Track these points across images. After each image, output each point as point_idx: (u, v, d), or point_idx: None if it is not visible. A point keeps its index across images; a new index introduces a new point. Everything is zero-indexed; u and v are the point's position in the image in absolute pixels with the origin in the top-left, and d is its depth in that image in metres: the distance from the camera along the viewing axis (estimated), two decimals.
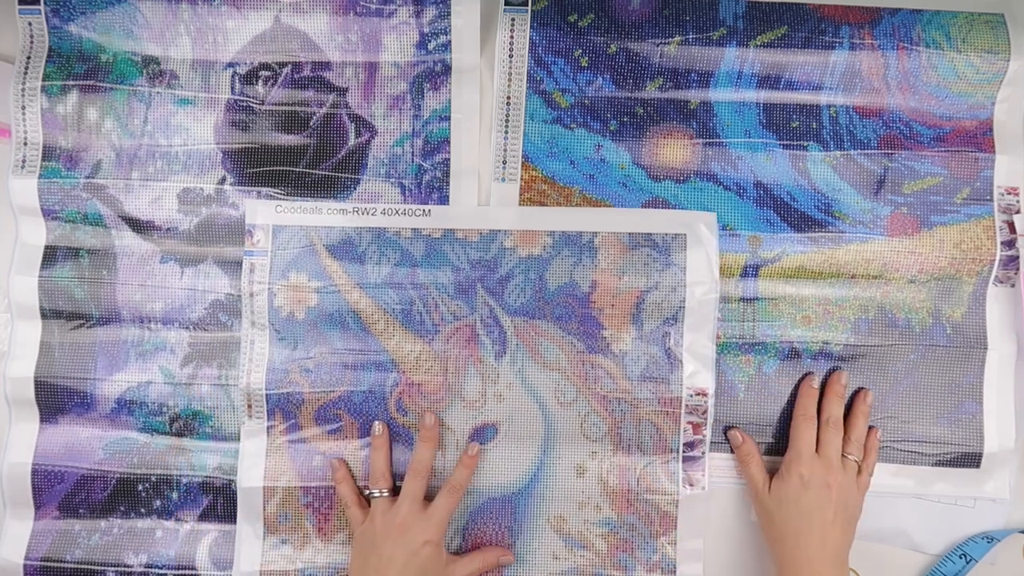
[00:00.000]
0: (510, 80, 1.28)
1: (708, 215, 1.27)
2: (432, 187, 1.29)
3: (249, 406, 1.27)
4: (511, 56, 1.28)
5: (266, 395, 1.26)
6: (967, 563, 1.26)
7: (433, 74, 1.29)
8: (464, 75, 1.29)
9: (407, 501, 1.20)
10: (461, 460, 1.24)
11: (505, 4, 1.27)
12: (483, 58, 1.30)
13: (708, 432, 1.26)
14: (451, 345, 1.26)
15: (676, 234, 1.26)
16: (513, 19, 1.27)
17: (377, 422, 1.26)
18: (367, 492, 1.24)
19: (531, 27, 1.27)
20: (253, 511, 1.27)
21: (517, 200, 1.29)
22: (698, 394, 1.26)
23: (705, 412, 1.26)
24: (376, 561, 1.17)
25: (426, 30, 1.28)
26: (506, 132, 1.28)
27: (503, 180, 1.28)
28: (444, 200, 1.29)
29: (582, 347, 1.26)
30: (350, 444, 1.27)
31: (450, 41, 1.28)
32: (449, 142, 1.29)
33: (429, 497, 1.23)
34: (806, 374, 1.28)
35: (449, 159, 1.29)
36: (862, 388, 1.28)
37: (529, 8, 1.27)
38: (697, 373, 1.26)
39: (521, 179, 1.28)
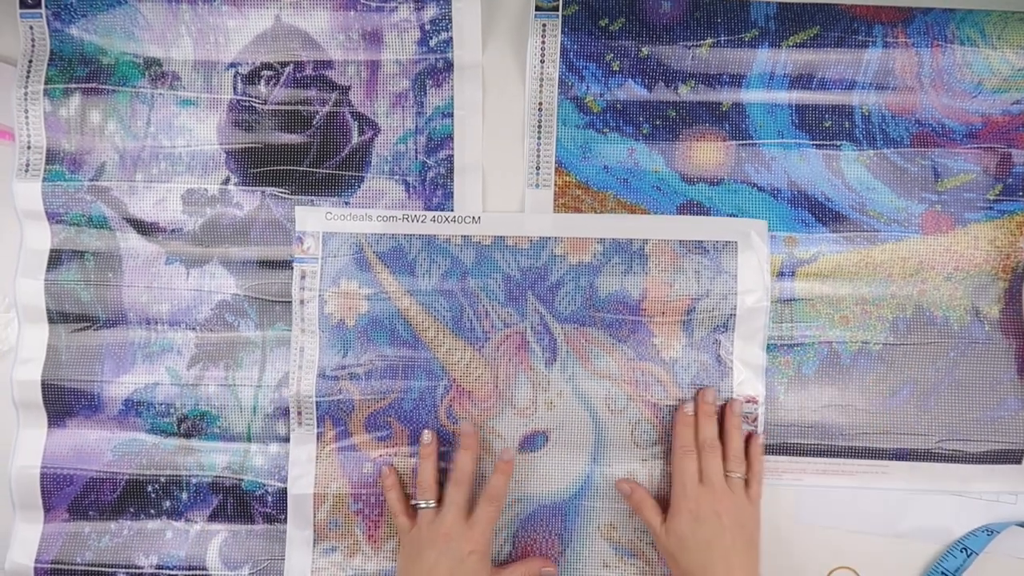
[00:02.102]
0: (541, 86, 1.28)
1: (759, 222, 1.27)
2: (436, 184, 1.29)
3: (299, 413, 1.27)
4: (542, 62, 1.27)
5: (316, 402, 1.26)
6: (968, 556, 1.26)
7: (435, 71, 1.29)
8: (466, 71, 1.29)
9: (451, 510, 1.20)
10: (496, 467, 1.23)
11: (536, 10, 1.26)
12: (512, 61, 1.30)
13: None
14: (501, 352, 1.26)
15: (727, 241, 1.26)
16: (544, 25, 1.27)
17: (426, 431, 1.26)
18: (413, 503, 1.24)
19: (562, 32, 1.27)
20: (303, 518, 1.27)
21: (552, 206, 1.28)
22: (748, 401, 1.26)
23: (756, 419, 1.26)
24: (419, 568, 1.17)
25: (427, 27, 1.28)
26: (539, 138, 1.28)
27: (537, 186, 1.28)
28: (448, 196, 1.29)
29: (632, 354, 1.26)
30: (400, 451, 1.27)
31: (451, 37, 1.28)
32: (452, 139, 1.29)
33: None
34: (681, 402, 1.28)
35: (453, 156, 1.29)
36: (730, 399, 1.27)
37: (560, 13, 1.27)
38: (747, 380, 1.26)
39: (555, 185, 1.28)
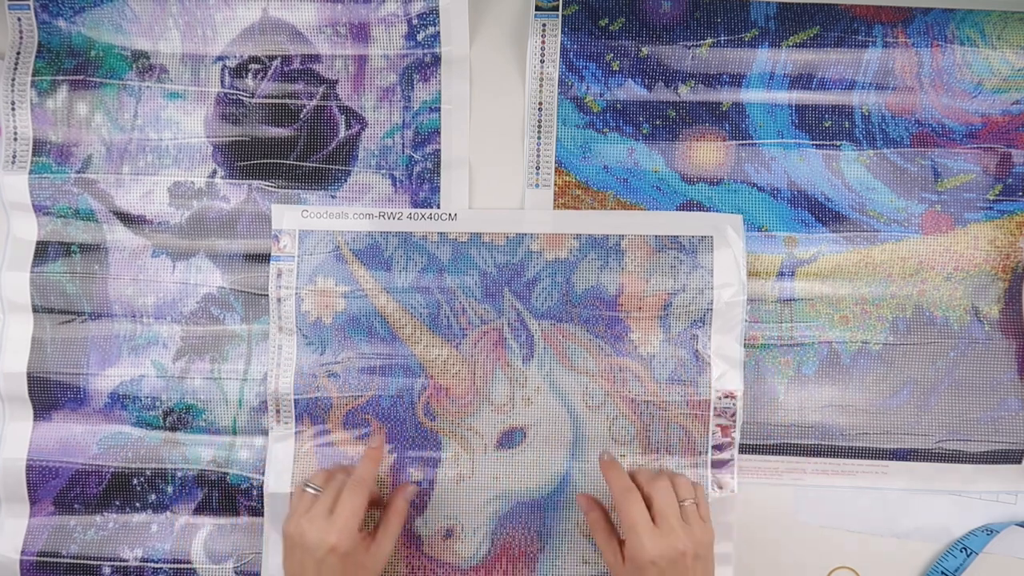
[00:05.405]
0: (541, 85, 1.28)
1: (735, 217, 1.27)
2: (423, 178, 1.29)
3: (277, 411, 1.27)
4: (542, 61, 1.28)
5: (294, 400, 1.26)
6: (968, 556, 1.26)
7: (423, 65, 1.29)
8: (454, 66, 1.29)
9: (321, 501, 1.14)
10: (365, 454, 1.21)
11: (536, 9, 1.27)
12: (512, 60, 1.30)
13: (737, 435, 1.26)
14: (479, 349, 1.27)
15: (703, 236, 1.26)
16: (544, 24, 1.27)
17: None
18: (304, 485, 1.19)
19: (562, 32, 1.27)
20: (280, 517, 1.26)
21: (552, 206, 1.28)
22: (726, 396, 1.25)
23: (734, 415, 1.25)
24: (291, 565, 1.13)
25: (415, 21, 1.28)
26: (539, 138, 1.28)
27: (536, 186, 1.28)
28: (435, 191, 1.29)
29: (610, 350, 1.26)
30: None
31: (439, 32, 1.28)
32: (439, 133, 1.30)
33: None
34: (600, 454, 1.25)
35: (440, 150, 1.29)
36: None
37: (560, 13, 1.27)
38: (725, 375, 1.25)
39: (555, 184, 1.28)
